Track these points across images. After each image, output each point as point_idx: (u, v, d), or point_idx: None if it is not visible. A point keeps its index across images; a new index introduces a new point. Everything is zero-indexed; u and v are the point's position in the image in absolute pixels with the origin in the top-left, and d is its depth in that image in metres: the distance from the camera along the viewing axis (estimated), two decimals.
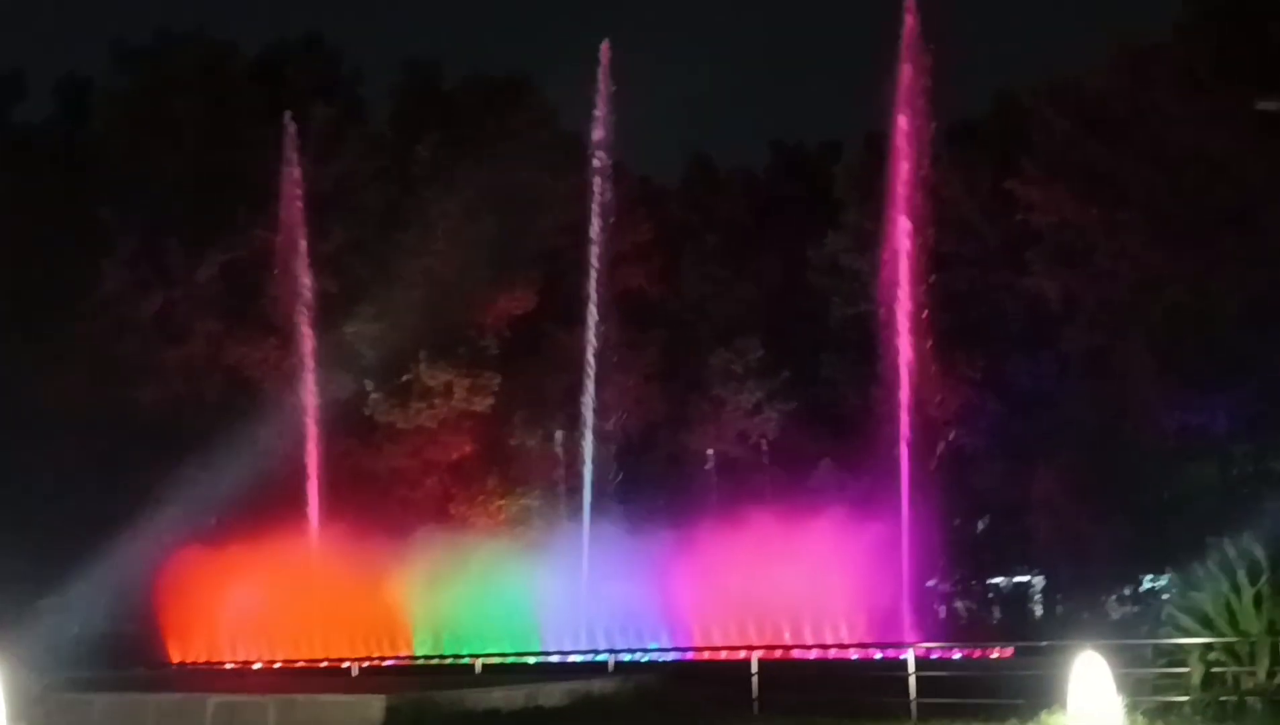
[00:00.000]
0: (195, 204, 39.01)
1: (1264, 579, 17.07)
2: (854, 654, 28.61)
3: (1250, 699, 16.29)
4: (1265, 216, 31.29)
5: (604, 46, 38.14)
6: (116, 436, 36.19)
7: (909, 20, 35.25)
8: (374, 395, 38.22)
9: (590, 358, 40.67)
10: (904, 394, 37.41)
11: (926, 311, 37.62)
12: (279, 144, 38.11)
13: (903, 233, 38.45)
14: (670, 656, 28.85)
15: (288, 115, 38.10)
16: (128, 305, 38.09)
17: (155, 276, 38.30)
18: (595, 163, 40.19)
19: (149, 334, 37.98)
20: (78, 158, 40.89)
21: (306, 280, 38.35)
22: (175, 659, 34.39)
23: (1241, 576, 17.17)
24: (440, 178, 39.40)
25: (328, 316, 37.86)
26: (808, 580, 35.93)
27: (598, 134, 41.01)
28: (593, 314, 40.55)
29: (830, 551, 35.38)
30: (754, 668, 19.92)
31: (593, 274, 40.28)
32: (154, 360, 37.66)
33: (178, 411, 37.04)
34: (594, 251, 41.74)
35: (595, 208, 41.37)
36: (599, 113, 38.77)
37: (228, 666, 33.13)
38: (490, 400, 39.26)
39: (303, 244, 38.06)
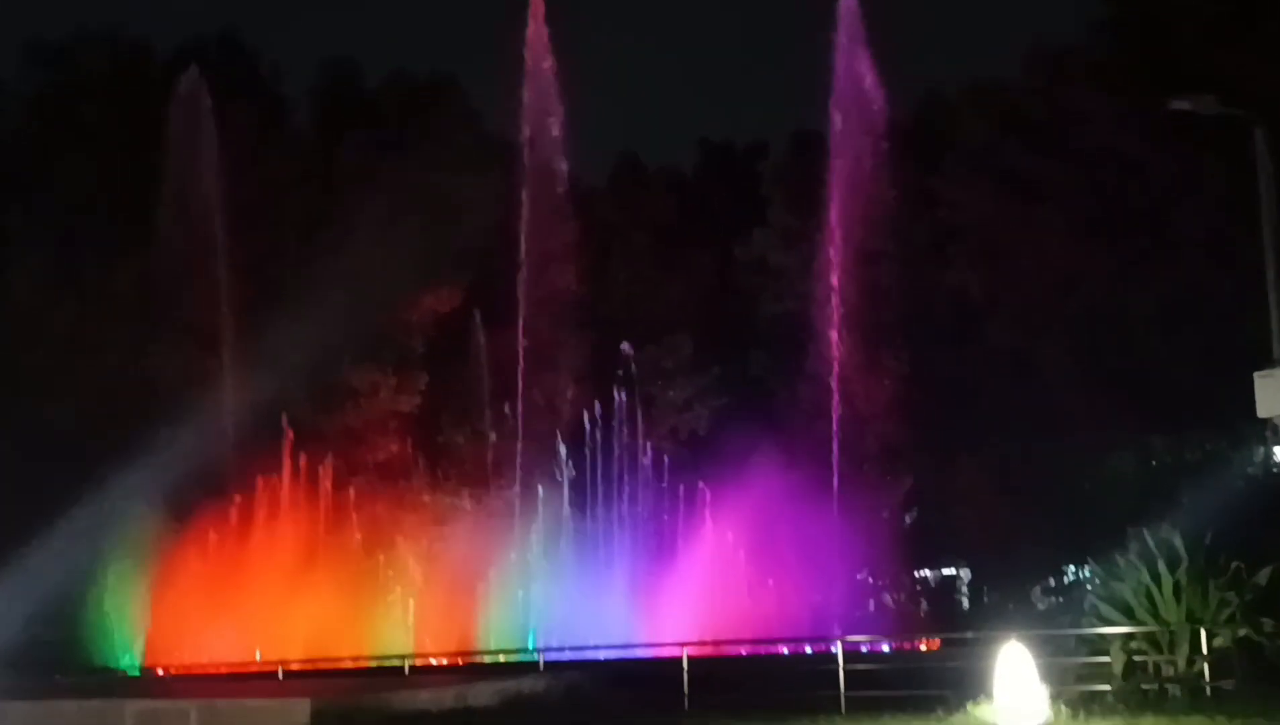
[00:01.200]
0: (109, 209, 38.09)
1: (1183, 568, 17.36)
2: (785, 649, 28.74)
3: (1170, 686, 16.56)
4: (1177, 217, 31.99)
5: (529, 40, 38.09)
6: (29, 447, 35.26)
7: (844, 16, 35.67)
8: (298, 398, 37.68)
9: (519, 357, 40.53)
10: (833, 389, 37.78)
11: (854, 308, 38.04)
12: (200, 145, 37.46)
13: (830, 230, 38.85)
14: (601, 654, 28.78)
15: (193, 70, 37.35)
16: (39, 314, 37.06)
17: (67, 285, 37.30)
18: (523, 162, 40.13)
19: (62, 344, 36.95)
20: None
21: (227, 284, 37.71)
22: (95, 666, 33.68)
23: (1161, 566, 17.45)
24: (363, 178, 38.95)
25: (249, 320, 37.24)
26: (739, 575, 36.12)
27: (525, 133, 40.94)
28: (521, 313, 40.45)
29: (761, 547, 35.61)
30: (685, 664, 19.89)
31: (521, 273, 40.20)
32: (68, 371, 36.68)
33: (93, 420, 36.15)
34: (522, 251, 41.64)
35: (523, 208, 41.29)
36: (525, 112, 38.68)
37: (151, 672, 32.51)
38: (417, 400, 38.95)
39: (223, 247, 37.43)
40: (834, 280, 39.02)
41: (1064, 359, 33.93)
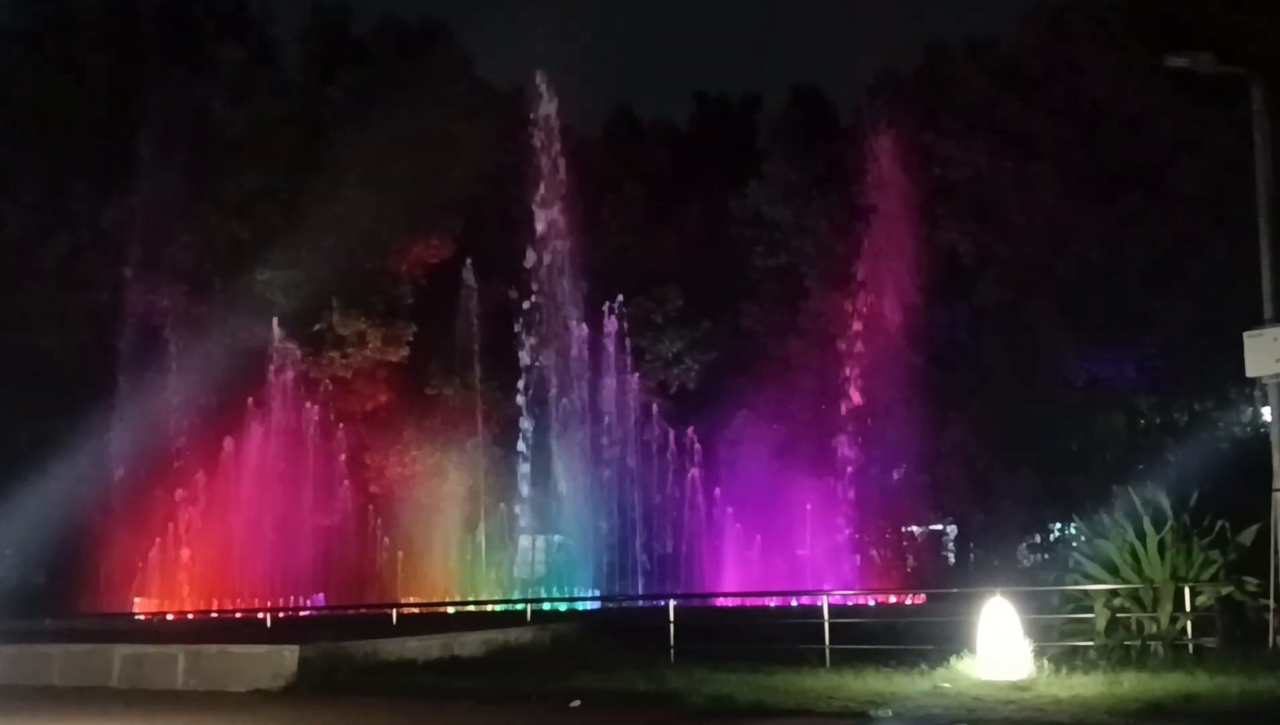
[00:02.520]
0: (101, 146, 37.83)
1: (1168, 527, 17.41)
2: (771, 602, 28.92)
3: (1153, 644, 16.65)
4: (1172, 174, 31.82)
5: None
6: (18, 385, 35.20)
7: None
8: (286, 344, 37.60)
9: (508, 308, 40.37)
10: (822, 345, 37.74)
11: (846, 263, 37.91)
12: (187, 85, 37.17)
13: (826, 184, 38.66)
14: (588, 606, 28.95)
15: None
16: (30, 250, 36.93)
17: (59, 221, 37.15)
18: (515, 111, 39.67)
19: (52, 280, 36.88)
20: None
21: (216, 225, 37.50)
22: (85, 610, 33.80)
23: (1146, 524, 17.50)
24: (352, 123, 38.65)
25: (238, 263, 37.08)
26: (727, 529, 36.29)
27: (518, 82, 40.54)
28: (511, 263, 40.19)
29: (749, 501, 35.75)
30: (671, 616, 19.98)
31: (512, 222, 39.91)
32: (58, 307, 36.60)
33: (83, 359, 36.08)
34: (513, 200, 41.31)
35: (515, 156, 40.94)
36: (519, 60, 38.37)
37: (139, 618, 32.62)
38: (405, 350, 38.83)
39: (212, 188, 37.22)
40: (827, 236, 38.91)
41: (1053, 318, 33.90)
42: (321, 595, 33.54)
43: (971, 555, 36.64)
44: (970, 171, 35.74)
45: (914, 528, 39.80)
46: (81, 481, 33.57)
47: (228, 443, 35.27)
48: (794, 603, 27.45)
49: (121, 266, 37.26)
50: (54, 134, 37.84)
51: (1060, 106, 34.02)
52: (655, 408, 40.27)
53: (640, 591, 34.36)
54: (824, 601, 19.22)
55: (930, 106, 36.64)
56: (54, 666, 18.36)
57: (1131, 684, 13.98)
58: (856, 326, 37.37)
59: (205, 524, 35.17)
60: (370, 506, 37.11)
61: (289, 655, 16.61)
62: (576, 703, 14.32)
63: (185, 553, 34.31)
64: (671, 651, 18.66)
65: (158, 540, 34.63)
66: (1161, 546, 17.26)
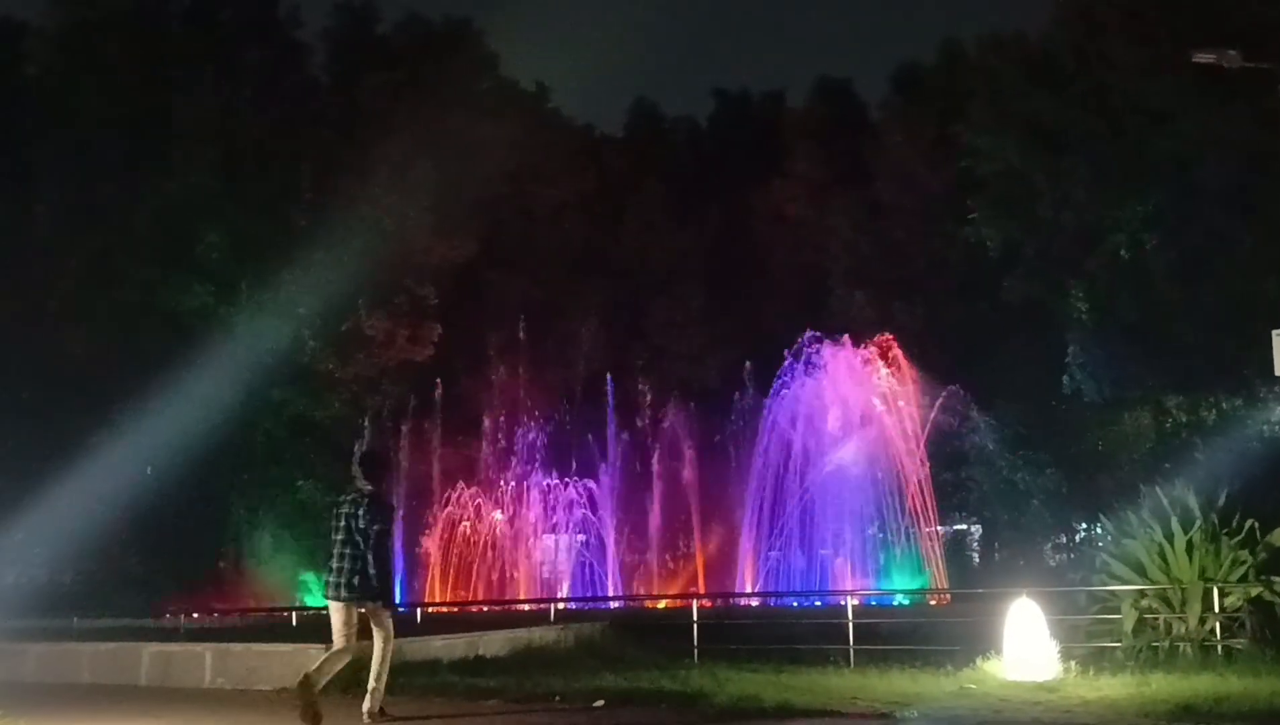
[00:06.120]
0: (129, 147, 38.08)
1: (1196, 526, 17.28)
2: (795, 602, 28.89)
3: (1181, 644, 16.53)
4: (1201, 170, 31.62)
5: None
6: (47, 384, 35.44)
7: None
8: (312, 343, 37.76)
9: (531, 306, 40.42)
10: (844, 343, 37.61)
11: (870, 260, 37.78)
12: (214, 86, 37.36)
13: (849, 180, 38.51)
14: (612, 605, 28.95)
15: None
16: (59, 250, 37.20)
17: (88, 220, 37.42)
18: (539, 110, 39.71)
19: (81, 279, 37.14)
20: (8, 101, 39.64)
21: (243, 226, 37.70)
22: (113, 610, 34.00)
23: (1174, 524, 17.37)
24: (377, 123, 38.81)
25: (265, 263, 37.25)
26: (750, 528, 36.21)
27: (542, 81, 40.52)
28: (534, 262, 40.20)
29: (772, 499, 35.67)
30: (694, 616, 19.98)
31: (534, 221, 39.92)
32: (86, 306, 36.85)
33: (111, 359, 36.29)
34: (536, 198, 41.33)
35: (538, 155, 40.95)
36: (542, 59, 38.41)
37: (166, 616, 32.82)
38: (430, 349, 38.99)
39: (239, 188, 37.40)
40: (851, 232, 38.81)
41: (1080, 313, 33.72)
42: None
43: (997, 555, 36.48)
44: (1000, 165, 35.55)
45: (939, 528, 39.68)
46: (109, 481, 33.73)
47: (254, 442, 35.43)
48: (817, 603, 27.41)
49: (149, 266, 37.47)
50: (84, 134, 38.10)
51: (1091, 100, 33.83)
52: (677, 406, 40.27)
53: (663, 591, 34.36)
54: (847, 602, 19.17)
55: (959, 100, 36.46)
56: (83, 665, 18.45)
57: (1160, 685, 13.87)
58: (878, 324, 37.22)
59: (233, 522, 35.33)
60: (396, 506, 37.20)
61: (315, 654, 16.63)
62: (600, 702, 14.32)
63: (214, 550, 34.48)
64: (695, 651, 18.64)
65: (185, 539, 34.83)
66: (1190, 547, 17.13)
